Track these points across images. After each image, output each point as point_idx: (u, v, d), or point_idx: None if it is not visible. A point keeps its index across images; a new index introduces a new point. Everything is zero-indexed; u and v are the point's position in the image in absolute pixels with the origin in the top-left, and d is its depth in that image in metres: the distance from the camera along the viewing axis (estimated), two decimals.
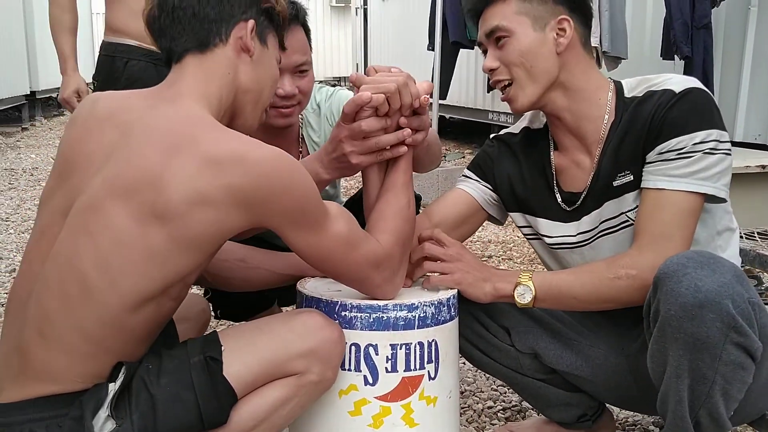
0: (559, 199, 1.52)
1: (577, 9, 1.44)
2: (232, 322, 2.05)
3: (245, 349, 1.21)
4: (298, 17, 1.66)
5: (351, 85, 1.45)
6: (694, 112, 1.34)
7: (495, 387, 2.08)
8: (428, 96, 1.40)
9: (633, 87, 1.45)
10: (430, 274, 1.45)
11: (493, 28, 1.43)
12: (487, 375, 2.12)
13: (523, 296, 1.39)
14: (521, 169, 1.58)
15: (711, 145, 1.33)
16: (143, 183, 1.10)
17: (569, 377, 1.60)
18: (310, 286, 1.43)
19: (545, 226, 1.56)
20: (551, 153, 1.54)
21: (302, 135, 1.86)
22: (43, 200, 1.24)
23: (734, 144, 4.03)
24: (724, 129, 1.36)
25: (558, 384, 1.62)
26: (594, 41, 3.93)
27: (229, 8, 1.24)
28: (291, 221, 1.18)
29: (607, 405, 1.73)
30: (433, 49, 5.69)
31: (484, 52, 1.49)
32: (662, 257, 1.27)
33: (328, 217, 1.22)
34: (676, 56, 3.85)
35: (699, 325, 1.17)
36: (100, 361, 1.15)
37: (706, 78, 3.66)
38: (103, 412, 1.11)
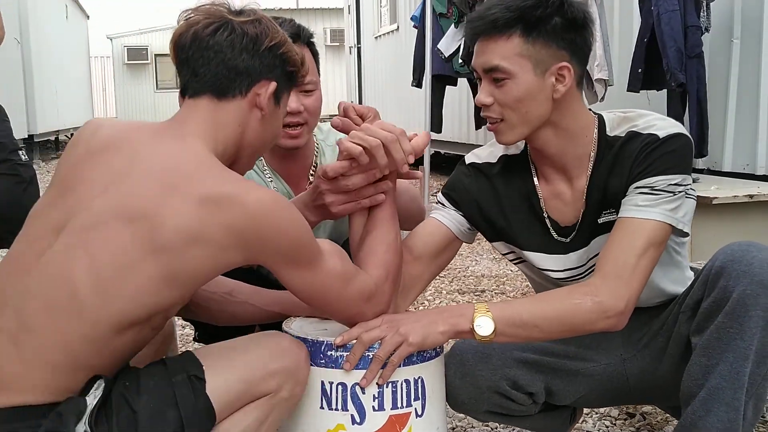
0: (548, 229, 1.53)
1: (578, 51, 1.42)
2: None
3: (225, 367, 1.24)
4: (300, 37, 1.70)
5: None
6: (674, 156, 1.39)
7: (486, 422, 2.08)
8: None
9: (615, 125, 1.48)
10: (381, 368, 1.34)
11: (493, 67, 1.40)
12: None
13: (484, 328, 1.33)
14: (501, 202, 1.56)
15: (682, 189, 1.39)
16: (142, 215, 1.13)
17: (572, 404, 1.66)
18: (296, 326, 1.44)
19: (530, 257, 1.57)
20: (535, 180, 1.54)
21: (315, 164, 1.88)
22: (34, 215, 1.24)
23: (722, 174, 4.10)
24: (690, 173, 1.43)
25: (555, 407, 1.68)
26: (604, 74, 3.97)
27: (258, 64, 1.26)
28: (285, 260, 1.21)
29: None
30: (417, 86, 5.80)
31: (478, 78, 1.46)
32: (624, 284, 1.34)
33: (321, 255, 1.25)
34: (647, 90, 3.90)
35: None
36: (76, 376, 1.16)
37: (701, 106, 3.68)
38: (82, 426, 1.11)
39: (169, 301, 1.18)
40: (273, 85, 1.29)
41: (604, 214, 1.47)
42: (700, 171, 4.19)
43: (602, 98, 4.04)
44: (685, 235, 1.45)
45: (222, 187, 1.15)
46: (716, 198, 3.30)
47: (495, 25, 1.38)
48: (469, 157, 1.63)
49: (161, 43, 19.99)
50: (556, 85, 1.40)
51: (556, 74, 1.40)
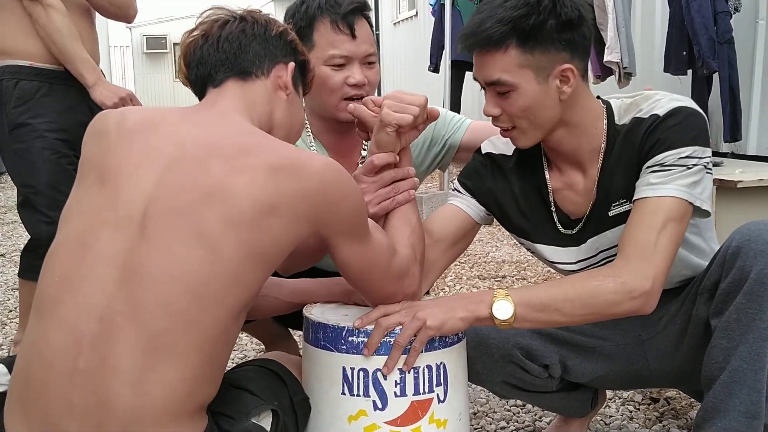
0: (557, 222, 1.53)
1: (578, 48, 1.38)
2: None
3: None
4: (362, 11, 1.71)
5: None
6: (677, 129, 1.36)
7: (508, 407, 2.08)
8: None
9: (622, 113, 1.46)
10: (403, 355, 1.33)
11: (494, 81, 1.38)
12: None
13: (503, 312, 1.30)
14: (515, 194, 1.56)
15: (696, 161, 1.35)
16: (215, 192, 1.10)
17: (590, 383, 1.66)
18: (317, 312, 1.44)
19: (542, 250, 1.57)
20: (546, 172, 1.54)
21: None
22: (74, 214, 1.18)
23: (747, 158, 4.05)
24: (706, 145, 1.38)
25: (575, 387, 1.69)
26: (615, 57, 3.94)
27: (272, 49, 1.29)
28: (346, 230, 1.21)
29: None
30: (434, 70, 5.79)
31: (483, 89, 1.45)
32: (647, 262, 1.30)
33: (369, 229, 1.26)
34: (690, 72, 3.85)
35: None
36: (215, 382, 1.15)
37: (733, 92, 3.65)
38: None
39: (262, 279, 1.16)
40: (292, 65, 1.31)
41: (614, 206, 1.45)
42: (724, 155, 4.15)
43: (619, 81, 4.00)
44: (706, 214, 1.39)
45: (288, 154, 1.16)
46: (741, 181, 3.26)
47: (490, 41, 1.35)
48: (486, 146, 1.62)
49: (180, 32, 19.93)
50: (561, 87, 1.38)
51: (560, 76, 1.38)
